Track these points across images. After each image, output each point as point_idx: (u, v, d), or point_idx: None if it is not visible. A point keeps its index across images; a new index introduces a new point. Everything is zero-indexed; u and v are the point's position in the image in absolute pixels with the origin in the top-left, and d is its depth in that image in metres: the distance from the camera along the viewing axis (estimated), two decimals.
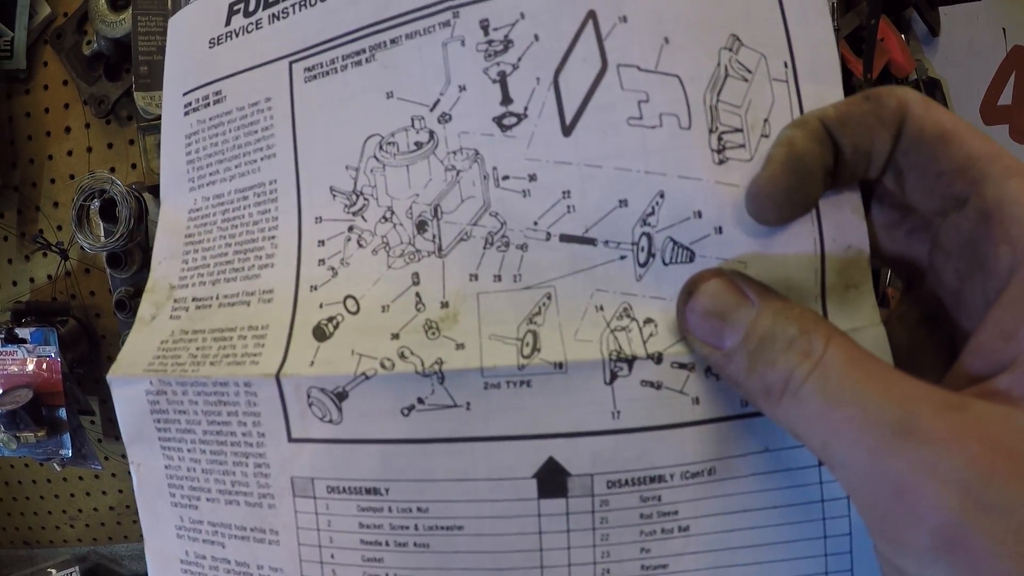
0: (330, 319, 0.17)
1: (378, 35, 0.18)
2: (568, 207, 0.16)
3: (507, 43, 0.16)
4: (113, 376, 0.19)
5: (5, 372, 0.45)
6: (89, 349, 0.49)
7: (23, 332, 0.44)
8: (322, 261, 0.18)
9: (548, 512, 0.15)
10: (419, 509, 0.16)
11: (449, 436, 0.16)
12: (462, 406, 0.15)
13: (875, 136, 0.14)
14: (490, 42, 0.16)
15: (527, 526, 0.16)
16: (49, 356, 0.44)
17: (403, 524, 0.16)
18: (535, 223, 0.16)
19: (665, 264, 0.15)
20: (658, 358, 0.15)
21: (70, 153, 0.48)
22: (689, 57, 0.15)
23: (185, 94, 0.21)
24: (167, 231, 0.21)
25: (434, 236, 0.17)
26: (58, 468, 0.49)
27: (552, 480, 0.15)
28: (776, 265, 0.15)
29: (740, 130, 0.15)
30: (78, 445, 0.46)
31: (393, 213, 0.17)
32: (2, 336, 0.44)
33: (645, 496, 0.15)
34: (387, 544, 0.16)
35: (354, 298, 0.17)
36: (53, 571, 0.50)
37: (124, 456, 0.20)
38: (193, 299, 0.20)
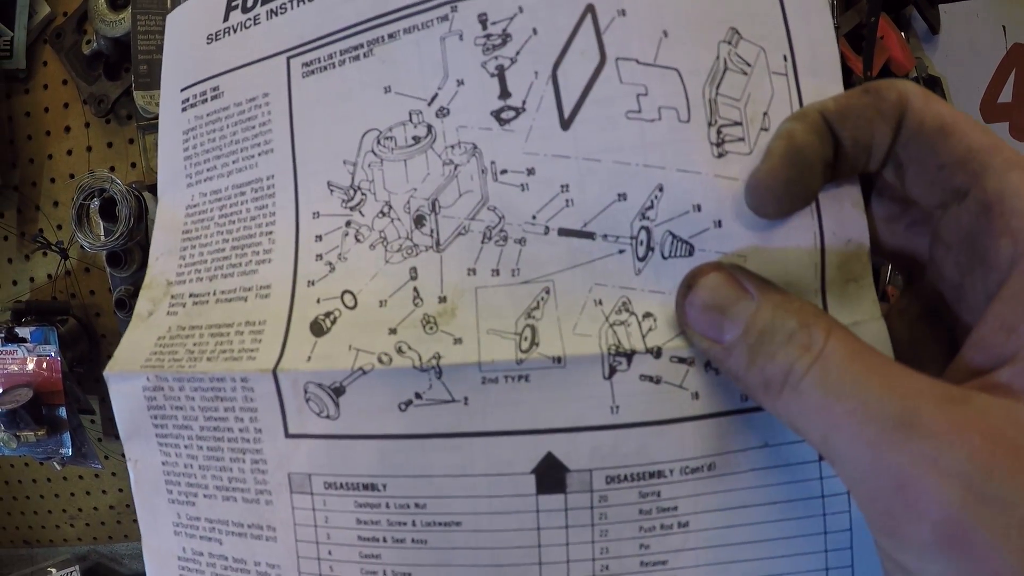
0: (327, 314, 0.17)
1: (376, 30, 0.18)
2: (567, 201, 0.16)
3: (505, 37, 0.16)
4: (110, 372, 0.19)
5: (5, 371, 0.45)
6: (89, 348, 0.49)
7: (23, 331, 0.44)
8: (319, 256, 0.18)
9: (546, 508, 0.15)
10: (417, 505, 0.16)
11: (447, 431, 0.16)
12: (460, 401, 0.15)
13: (875, 129, 0.14)
14: (488, 36, 0.16)
15: (525, 522, 0.15)
16: (49, 355, 0.44)
17: (401, 520, 0.16)
18: (533, 217, 0.16)
19: (664, 258, 0.15)
20: (657, 352, 0.15)
21: (70, 152, 0.48)
22: (688, 50, 0.15)
23: (183, 90, 0.21)
24: (164, 227, 0.21)
25: (432, 231, 0.17)
26: (58, 467, 0.49)
27: (551, 476, 0.15)
28: (776, 259, 0.15)
29: (739, 123, 0.15)
30: (78, 444, 0.46)
31: (391, 208, 0.17)
32: (2, 335, 0.44)
33: (644, 491, 0.15)
34: (385, 540, 0.16)
35: (352, 293, 0.17)
36: (53, 570, 0.50)
37: (124, 455, 0.20)
38: (190, 295, 0.20)
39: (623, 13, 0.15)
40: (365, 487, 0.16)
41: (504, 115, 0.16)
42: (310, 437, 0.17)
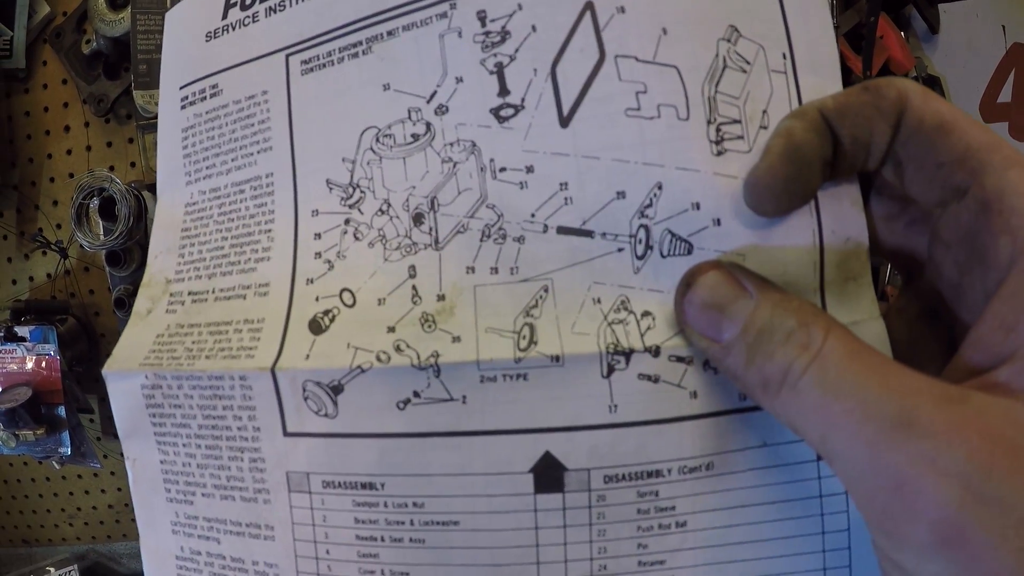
0: (326, 312, 0.17)
1: (375, 27, 0.18)
2: (565, 199, 0.16)
3: (504, 34, 0.16)
4: (108, 370, 0.19)
5: (4, 370, 0.45)
6: (88, 347, 0.49)
7: (22, 330, 0.44)
8: (318, 254, 0.18)
9: (545, 507, 0.15)
10: (415, 504, 0.16)
11: (445, 430, 0.15)
12: (458, 400, 0.15)
13: (874, 127, 0.14)
14: (487, 33, 0.16)
15: (523, 521, 0.15)
16: (48, 354, 0.44)
17: (399, 519, 0.16)
18: (532, 215, 0.16)
19: (663, 256, 0.15)
20: (656, 351, 0.15)
21: (69, 152, 0.48)
22: (687, 48, 0.15)
23: (182, 88, 0.21)
24: (163, 225, 0.21)
25: (431, 229, 0.17)
26: (57, 466, 0.49)
27: (549, 475, 0.15)
28: (775, 257, 0.15)
29: (738, 121, 0.15)
30: (77, 443, 0.46)
31: (390, 206, 0.17)
32: (1, 334, 0.44)
33: (642, 491, 0.15)
34: (383, 539, 0.16)
35: (350, 291, 0.17)
36: (52, 569, 0.50)
37: (123, 454, 0.20)
38: (189, 293, 0.20)
39: (622, 10, 0.15)
40: (363, 486, 0.16)
41: (503, 113, 0.16)
42: (308, 436, 0.17)
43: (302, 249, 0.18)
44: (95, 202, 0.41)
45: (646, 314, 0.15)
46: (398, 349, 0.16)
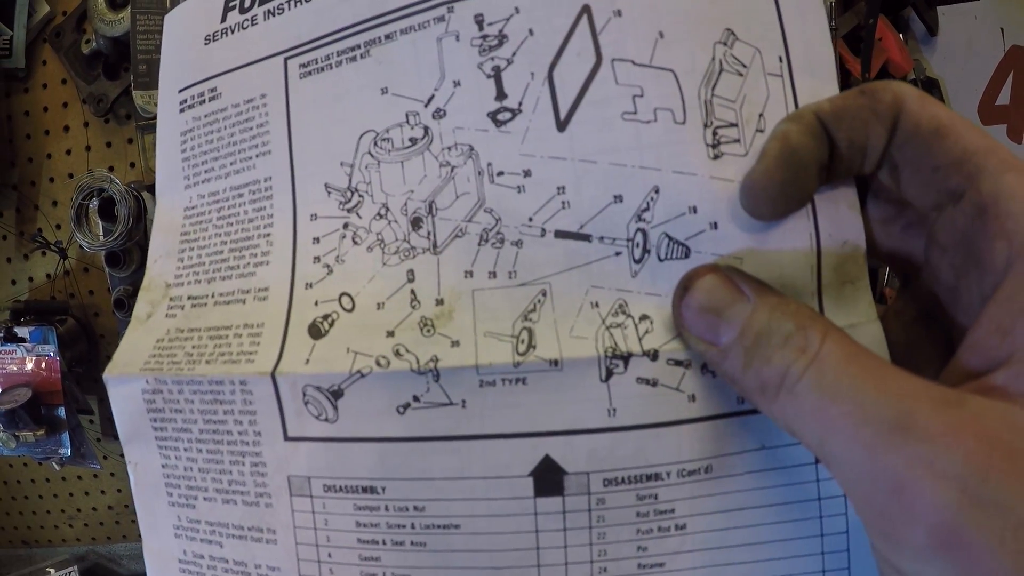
0: (325, 316, 0.17)
1: (373, 31, 0.18)
2: (563, 203, 0.16)
3: (501, 38, 0.16)
4: (109, 375, 0.19)
5: (4, 371, 0.45)
6: (88, 348, 0.49)
7: (22, 331, 0.44)
8: (317, 258, 0.18)
9: (544, 511, 0.15)
10: (415, 508, 0.16)
11: (445, 434, 0.16)
12: (458, 404, 0.15)
13: (870, 130, 0.14)
14: (484, 37, 0.16)
15: (523, 525, 0.15)
16: (48, 355, 0.44)
17: (400, 523, 0.16)
18: (530, 219, 0.16)
19: (660, 260, 0.15)
20: (654, 355, 0.15)
21: (69, 152, 0.48)
22: (684, 51, 0.15)
23: (181, 91, 0.21)
24: (163, 229, 0.21)
25: (429, 233, 0.17)
26: (57, 467, 0.49)
27: (548, 478, 0.15)
28: (772, 261, 0.15)
29: (735, 125, 0.15)
30: (77, 444, 0.46)
31: (388, 210, 0.17)
32: (1, 335, 0.44)
33: (641, 494, 0.15)
34: (384, 543, 0.16)
35: (349, 295, 0.17)
36: (52, 571, 0.50)
37: (123, 455, 0.20)
38: (189, 297, 0.20)
39: (619, 14, 0.15)
40: (364, 490, 0.16)
41: (500, 116, 0.16)
42: (309, 440, 0.17)
43: (301, 253, 0.18)
44: (95, 202, 0.41)
45: (644, 318, 0.15)
46: (397, 353, 0.16)
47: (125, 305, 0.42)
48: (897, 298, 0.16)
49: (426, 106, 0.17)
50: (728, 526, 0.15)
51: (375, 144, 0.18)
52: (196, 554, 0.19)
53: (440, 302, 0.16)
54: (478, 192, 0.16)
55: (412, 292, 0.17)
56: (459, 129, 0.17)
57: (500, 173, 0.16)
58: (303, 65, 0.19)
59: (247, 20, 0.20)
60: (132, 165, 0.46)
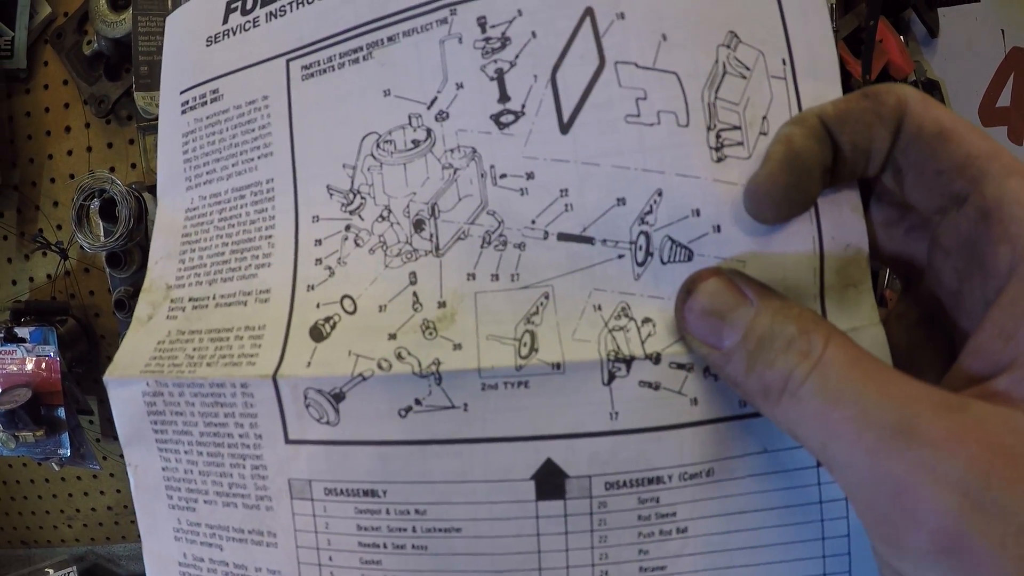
0: (327, 319, 0.17)
1: (375, 33, 0.18)
2: (566, 205, 0.16)
3: (504, 40, 0.16)
4: (110, 377, 0.19)
5: (4, 371, 0.45)
6: (88, 349, 0.49)
7: (22, 331, 0.44)
8: (319, 260, 0.18)
9: (546, 514, 0.15)
10: (417, 511, 0.16)
11: (447, 438, 0.15)
12: (460, 407, 0.15)
13: (874, 133, 0.14)
14: (487, 39, 0.16)
15: (525, 528, 0.15)
16: (48, 355, 0.44)
17: (401, 526, 0.16)
18: (533, 222, 0.16)
19: (663, 263, 0.15)
20: (656, 358, 0.15)
21: (70, 152, 0.48)
22: (687, 54, 0.15)
23: (182, 92, 0.21)
24: (164, 231, 0.21)
25: (431, 235, 0.17)
26: (56, 468, 0.49)
27: (550, 482, 0.15)
28: (775, 264, 0.15)
29: (738, 128, 0.15)
30: (76, 445, 0.46)
31: (390, 212, 0.17)
32: (1, 335, 0.44)
33: (643, 498, 0.15)
34: (385, 546, 0.16)
35: (351, 298, 0.17)
36: (51, 571, 0.50)
37: (123, 456, 0.20)
38: (190, 299, 0.20)
39: (622, 16, 0.15)
40: (365, 493, 0.16)
41: (503, 119, 0.16)
42: (310, 443, 0.17)
43: (303, 255, 0.18)
44: (96, 203, 0.41)
45: (646, 321, 0.15)
46: (399, 357, 0.16)
47: (126, 306, 0.42)
48: (899, 301, 0.16)
49: (429, 108, 0.17)
50: (729, 529, 0.15)
51: (377, 146, 0.18)
52: (196, 557, 0.19)
53: (442, 305, 0.16)
54: (481, 194, 0.16)
55: (414, 294, 0.17)
56: (462, 131, 0.17)
57: (503, 175, 0.16)
58: (305, 67, 0.19)
59: (249, 22, 0.20)
60: (133, 166, 0.46)
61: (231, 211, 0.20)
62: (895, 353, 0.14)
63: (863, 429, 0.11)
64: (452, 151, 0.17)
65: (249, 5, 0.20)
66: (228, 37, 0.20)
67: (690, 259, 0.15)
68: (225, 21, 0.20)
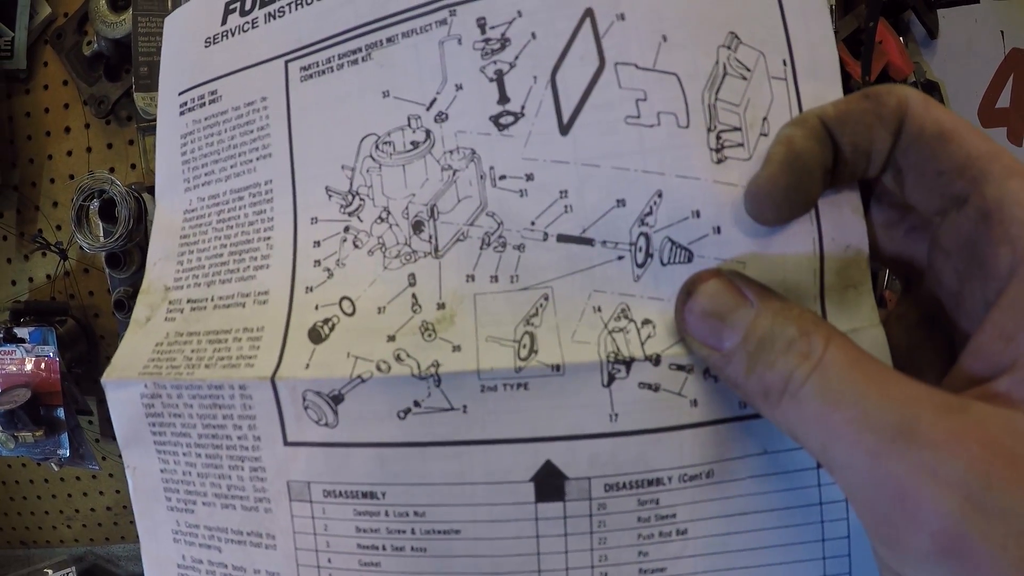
0: (326, 321, 0.17)
1: (374, 34, 0.18)
2: (565, 207, 0.16)
3: (504, 41, 0.16)
4: (108, 379, 0.19)
5: (3, 371, 0.45)
6: (87, 349, 0.49)
7: (22, 332, 0.44)
8: (318, 262, 0.18)
9: (545, 516, 0.15)
10: (416, 513, 0.16)
11: (446, 439, 0.15)
12: (459, 409, 0.15)
13: (875, 134, 0.14)
14: (487, 40, 0.16)
15: (524, 530, 0.15)
16: (47, 356, 0.44)
17: (400, 528, 0.16)
18: (532, 223, 0.16)
19: (663, 264, 0.15)
20: (656, 360, 0.15)
21: (70, 153, 0.48)
22: (687, 55, 0.15)
23: (181, 94, 0.21)
24: (162, 232, 0.21)
25: (430, 236, 0.17)
26: (56, 468, 0.49)
27: (549, 484, 0.15)
28: (775, 265, 0.15)
29: (739, 129, 0.15)
30: (76, 445, 0.46)
31: (389, 213, 0.17)
32: (1, 335, 0.44)
33: (643, 499, 0.15)
34: (384, 548, 0.16)
35: (350, 299, 0.17)
36: (50, 571, 0.50)
37: (123, 460, 0.20)
38: (188, 301, 0.20)
39: (622, 17, 0.15)
40: (364, 495, 0.16)
41: (503, 120, 0.16)
42: (309, 445, 0.17)
43: (301, 257, 0.18)
44: (95, 204, 0.41)
45: (646, 322, 0.15)
46: (398, 358, 0.16)
47: (125, 306, 0.42)
48: (899, 302, 0.16)
49: (428, 109, 0.17)
50: (729, 531, 0.15)
51: (376, 147, 0.18)
52: (195, 559, 0.19)
53: (441, 306, 0.16)
54: (480, 196, 0.16)
55: (413, 296, 0.17)
56: (461, 133, 0.17)
57: (502, 177, 0.16)
58: (304, 68, 0.19)
59: (248, 23, 0.20)
60: (133, 167, 0.46)
61: (229, 213, 0.20)
62: (895, 354, 0.14)
63: (864, 430, 0.11)
64: (451, 152, 0.17)
65: (248, 6, 0.20)
66: (227, 38, 0.20)
67: (690, 260, 0.15)
68: (224, 22, 0.20)
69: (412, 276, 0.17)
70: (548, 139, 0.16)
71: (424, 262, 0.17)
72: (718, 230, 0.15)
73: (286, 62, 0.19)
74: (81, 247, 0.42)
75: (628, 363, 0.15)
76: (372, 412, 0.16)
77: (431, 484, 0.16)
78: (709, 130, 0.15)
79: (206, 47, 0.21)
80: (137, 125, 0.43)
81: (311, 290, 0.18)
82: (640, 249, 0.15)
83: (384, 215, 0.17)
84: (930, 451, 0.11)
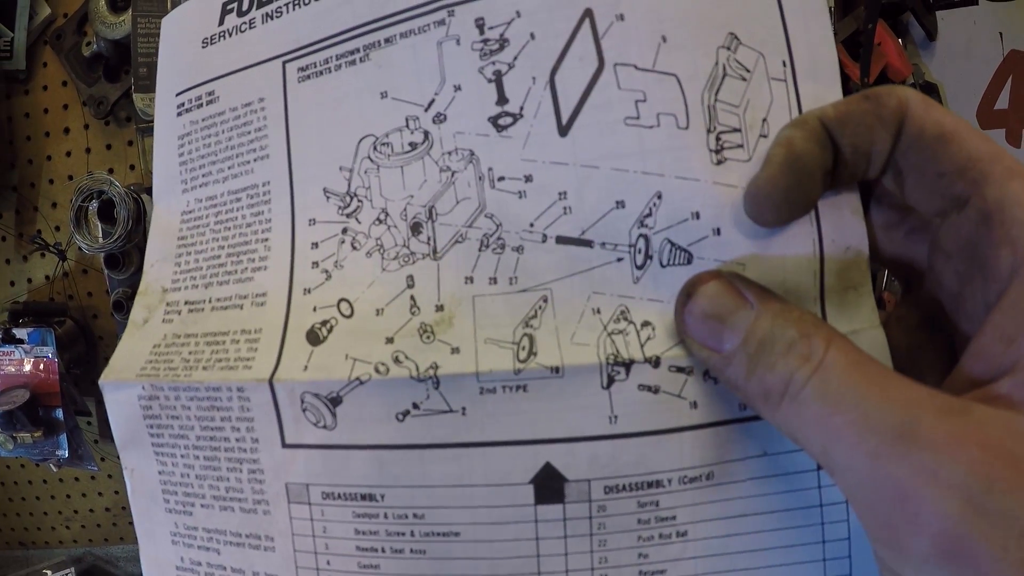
0: (324, 323, 0.17)
1: (372, 34, 0.18)
2: (564, 208, 0.16)
3: (503, 42, 0.16)
4: (105, 381, 0.19)
5: (2, 372, 0.45)
6: (86, 350, 0.49)
7: (20, 332, 0.44)
8: (316, 264, 0.18)
9: (545, 518, 0.15)
10: (415, 515, 0.16)
11: (445, 442, 0.15)
12: (458, 411, 0.15)
13: (875, 136, 0.14)
14: (485, 41, 0.16)
15: (524, 532, 0.15)
16: (46, 357, 0.44)
17: (399, 530, 0.16)
18: (531, 225, 0.16)
19: (663, 266, 0.15)
20: (656, 362, 0.15)
21: (69, 154, 0.48)
22: (687, 56, 0.15)
23: (178, 95, 0.21)
24: (160, 233, 0.21)
25: (429, 238, 0.17)
26: (54, 469, 0.48)
27: (549, 486, 0.15)
28: (775, 267, 0.14)
29: (738, 130, 0.15)
30: (74, 446, 0.46)
31: (387, 215, 0.17)
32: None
33: (643, 501, 0.15)
34: (383, 551, 0.16)
35: (348, 301, 0.17)
36: (49, 572, 0.50)
37: (121, 462, 0.20)
38: (186, 302, 0.20)
39: (621, 18, 0.15)
40: (363, 497, 0.16)
41: (501, 121, 0.16)
42: (307, 447, 0.17)
43: (299, 259, 0.18)
44: (94, 205, 0.41)
45: (646, 324, 0.15)
46: (397, 360, 0.16)
47: (124, 307, 0.42)
48: (900, 304, 0.16)
49: (426, 110, 0.17)
50: (729, 533, 0.15)
51: (374, 149, 0.17)
52: (194, 561, 0.19)
53: (440, 308, 0.16)
54: (479, 197, 0.16)
55: (412, 298, 0.17)
56: (460, 134, 0.16)
57: (501, 178, 0.16)
58: (302, 69, 0.19)
59: (245, 23, 0.20)
60: (132, 167, 0.46)
61: (227, 214, 0.20)
62: (895, 356, 0.14)
63: (864, 433, 0.11)
64: (450, 154, 0.17)
65: (245, 6, 0.20)
66: (224, 39, 0.20)
67: (690, 262, 0.15)
68: (221, 23, 0.20)
69: (410, 278, 0.17)
70: (547, 140, 0.16)
71: (422, 264, 0.17)
72: (718, 231, 0.15)
73: (284, 63, 0.19)
74: (80, 248, 0.42)
75: (628, 365, 0.15)
76: (371, 414, 0.16)
77: (430, 486, 0.16)
78: (709, 131, 0.15)
79: (203, 48, 0.21)
80: (136, 126, 0.43)
81: (309, 292, 0.18)
82: (639, 251, 0.15)
83: (382, 216, 0.17)
84: (931, 453, 0.11)
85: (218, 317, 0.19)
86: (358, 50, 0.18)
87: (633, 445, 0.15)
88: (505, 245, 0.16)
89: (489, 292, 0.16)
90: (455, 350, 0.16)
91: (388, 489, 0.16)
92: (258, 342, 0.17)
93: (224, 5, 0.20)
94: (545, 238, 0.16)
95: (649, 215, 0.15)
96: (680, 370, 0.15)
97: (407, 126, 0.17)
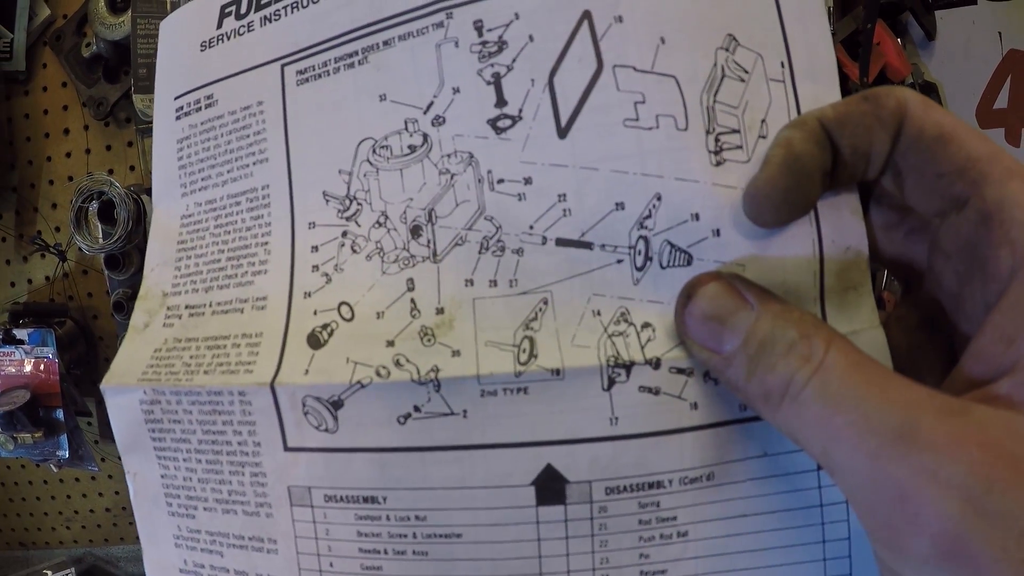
0: (324, 326, 0.17)
1: (371, 37, 0.18)
2: (564, 210, 0.16)
3: (501, 44, 0.16)
4: (107, 385, 0.19)
5: (3, 373, 0.45)
6: (86, 350, 0.49)
7: (21, 333, 0.44)
8: (316, 267, 0.18)
9: (546, 519, 0.15)
10: (417, 517, 0.16)
11: (446, 444, 0.15)
12: (459, 414, 0.15)
13: (874, 136, 0.14)
14: (484, 43, 0.16)
15: (525, 533, 0.15)
16: (47, 357, 0.44)
17: (401, 532, 0.16)
18: (531, 227, 0.16)
19: (663, 268, 0.15)
20: (656, 363, 0.15)
21: (69, 155, 0.48)
22: (686, 57, 0.15)
23: (177, 98, 0.21)
24: (159, 237, 0.21)
25: (429, 241, 0.17)
26: (55, 469, 0.48)
27: (550, 487, 0.15)
28: (774, 267, 0.15)
29: (737, 131, 0.15)
30: (75, 446, 0.46)
31: (387, 218, 0.17)
32: (0, 337, 0.44)
33: (644, 502, 0.15)
34: (386, 553, 0.16)
35: (348, 305, 0.17)
36: (49, 572, 0.50)
37: (123, 465, 0.20)
38: (186, 306, 0.20)
39: (620, 20, 0.15)
40: (365, 500, 0.16)
41: (500, 124, 0.16)
42: (309, 450, 0.17)
43: (299, 262, 0.18)
44: (94, 205, 0.41)
45: (646, 326, 0.15)
46: (398, 364, 0.16)
47: (124, 308, 0.42)
48: (899, 304, 0.16)
49: (425, 113, 0.17)
50: (730, 533, 0.15)
51: (374, 151, 0.17)
52: (197, 564, 0.19)
53: (440, 311, 0.16)
54: (478, 200, 0.16)
55: (412, 301, 0.17)
56: (459, 136, 0.16)
57: (500, 181, 0.16)
58: (300, 72, 0.19)
59: (243, 26, 0.20)
60: (132, 168, 0.46)
61: (227, 218, 0.20)
62: (895, 356, 0.14)
63: (864, 433, 0.11)
64: (449, 156, 0.17)
65: (243, 9, 0.20)
66: (222, 42, 0.20)
67: (689, 263, 0.15)
68: (219, 26, 0.20)
69: (411, 281, 0.17)
70: (546, 142, 0.16)
71: (422, 267, 0.17)
72: (717, 233, 0.15)
73: (282, 66, 0.19)
74: (80, 249, 0.42)
75: (628, 367, 0.15)
76: (372, 417, 0.16)
77: (432, 489, 0.16)
78: (708, 132, 0.15)
79: (202, 51, 0.21)
80: (136, 127, 0.43)
81: (309, 295, 0.18)
82: (639, 252, 0.15)
83: (382, 220, 0.17)
84: (931, 454, 0.11)
85: (219, 321, 0.19)
86: (357, 53, 0.18)
87: (634, 446, 0.15)
88: (505, 247, 0.16)
89: (489, 294, 0.16)
90: (456, 353, 0.16)
91: (390, 491, 0.16)
92: (259, 346, 0.18)
93: (223, 8, 0.20)
94: (545, 240, 0.16)
95: (649, 217, 0.15)
96: (680, 371, 0.15)
97: (406, 129, 0.17)
